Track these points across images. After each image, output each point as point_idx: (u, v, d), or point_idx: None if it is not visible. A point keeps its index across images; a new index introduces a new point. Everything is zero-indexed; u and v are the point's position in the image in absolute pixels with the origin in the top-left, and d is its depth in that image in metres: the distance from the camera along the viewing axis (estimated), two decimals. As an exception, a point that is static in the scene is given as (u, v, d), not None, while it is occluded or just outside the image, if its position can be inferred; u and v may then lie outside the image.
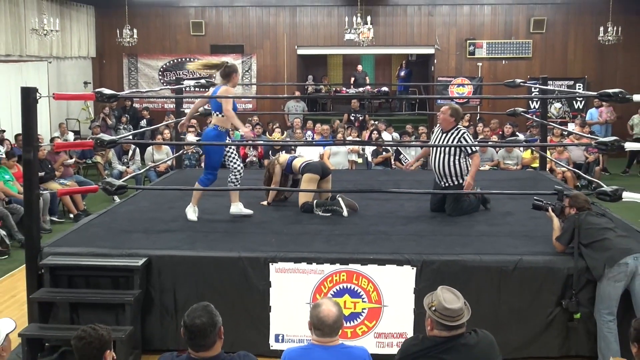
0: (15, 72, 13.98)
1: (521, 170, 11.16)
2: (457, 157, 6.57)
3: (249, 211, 6.58)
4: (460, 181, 6.58)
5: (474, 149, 6.59)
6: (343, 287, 5.30)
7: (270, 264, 5.29)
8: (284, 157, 7.37)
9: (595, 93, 6.46)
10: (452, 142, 6.55)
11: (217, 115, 6.35)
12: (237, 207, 6.56)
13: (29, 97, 5.42)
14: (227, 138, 6.61)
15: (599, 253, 5.02)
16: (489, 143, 11.93)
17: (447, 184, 6.65)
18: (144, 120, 15.86)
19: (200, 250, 5.46)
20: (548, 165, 10.13)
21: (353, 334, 5.31)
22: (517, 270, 5.20)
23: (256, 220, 6.49)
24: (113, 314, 5.22)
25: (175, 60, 17.79)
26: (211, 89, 6.80)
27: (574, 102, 16.89)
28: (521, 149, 11.62)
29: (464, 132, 6.61)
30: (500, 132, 13.20)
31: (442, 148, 6.59)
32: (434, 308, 3.25)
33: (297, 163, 7.07)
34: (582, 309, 5.15)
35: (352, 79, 18.87)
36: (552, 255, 5.29)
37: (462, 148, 6.52)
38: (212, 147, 6.37)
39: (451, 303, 3.23)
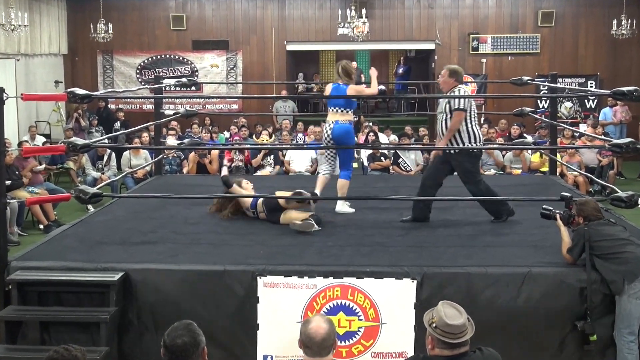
0: (-20, 70, 13.98)
1: (530, 175, 11.20)
2: (448, 118, 6.58)
3: (351, 210, 7.18)
4: (460, 144, 6.54)
5: (460, 105, 6.49)
6: (337, 303, 5.29)
7: (258, 278, 5.28)
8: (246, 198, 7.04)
9: (608, 91, 6.49)
10: (445, 101, 6.62)
11: (345, 111, 7.06)
12: (342, 205, 7.19)
13: (-6, 98, 5.41)
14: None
15: (617, 266, 5.01)
16: (494, 145, 11.96)
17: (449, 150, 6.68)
18: (118, 122, 15.84)
19: (181, 264, 5.45)
20: (558, 170, 10.18)
21: (348, 354, 5.30)
22: (526, 283, 5.21)
23: (242, 230, 6.49)
24: (87, 333, 5.19)
25: (154, 58, 17.78)
26: (328, 87, 7.44)
27: (586, 101, 16.96)
28: (529, 152, 11.66)
29: (459, 89, 6.61)
30: (507, 134, 13.25)
31: (443, 109, 6.63)
32: (434, 325, 3.26)
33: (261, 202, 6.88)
34: (598, 327, 5.14)
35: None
36: (563, 267, 5.31)
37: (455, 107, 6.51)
38: (348, 142, 7.12)
39: (453, 319, 3.24)
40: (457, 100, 6.52)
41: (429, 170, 6.94)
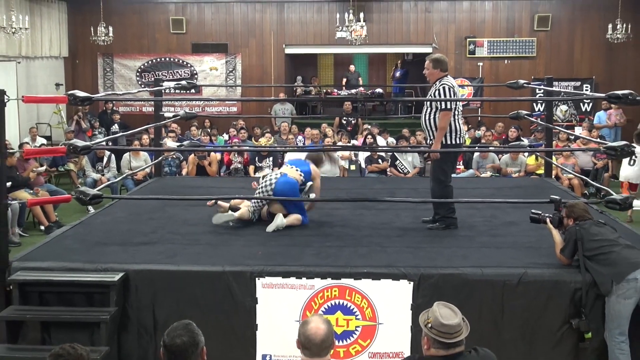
0: (-19, 73, 13.98)
1: (525, 178, 11.21)
2: (434, 112, 6.40)
3: None
4: (446, 141, 6.37)
5: (447, 104, 6.28)
6: (335, 303, 5.31)
7: (256, 278, 5.29)
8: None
9: (603, 95, 6.50)
10: (432, 94, 6.45)
11: None
12: None
13: (-4, 100, 5.42)
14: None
15: (606, 267, 5.03)
16: (490, 148, 11.97)
17: (430, 142, 6.54)
18: (115, 124, 15.83)
19: (181, 264, 5.45)
20: (554, 172, 10.18)
21: (346, 354, 5.31)
22: (522, 284, 5.22)
23: (241, 231, 6.50)
24: (87, 333, 5.20)
25: (154, 60, 17.81)
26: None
27: (581, 104, 16.99)
28: (525, 154, 11.68)
29: (442, 84, 6.39)
30: (505, 137, 13.26)
31: (427, 103, 6.47)
32: (430, 325, 3.28)
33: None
34: (592, 326, 5.15)
35: (344, 80, 18.93)
36: (558, 268, 5.32)
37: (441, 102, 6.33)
38: None
39: (448, 319, 3.26)
40: (442, 97, 6.33)
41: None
